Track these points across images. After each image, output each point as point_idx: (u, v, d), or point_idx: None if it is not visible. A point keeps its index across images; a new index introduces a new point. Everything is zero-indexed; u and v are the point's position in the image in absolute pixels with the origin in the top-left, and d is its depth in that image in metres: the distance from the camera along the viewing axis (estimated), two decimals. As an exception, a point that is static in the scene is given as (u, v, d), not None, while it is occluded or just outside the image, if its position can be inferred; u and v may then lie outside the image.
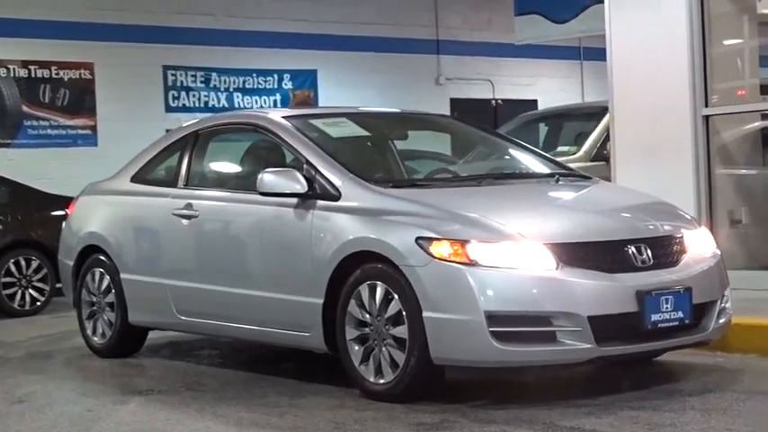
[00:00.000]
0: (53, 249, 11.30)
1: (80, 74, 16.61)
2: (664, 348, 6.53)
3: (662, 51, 9.63)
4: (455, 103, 20.87)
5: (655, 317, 6.14)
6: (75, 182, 15.16)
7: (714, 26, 9.63)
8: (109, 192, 8.83)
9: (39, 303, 12.56)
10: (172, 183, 8.17)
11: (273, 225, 7.12)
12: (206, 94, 17.88)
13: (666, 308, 6.19)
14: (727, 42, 9.93)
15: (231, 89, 18.14)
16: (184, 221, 7.77)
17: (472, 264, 5.99)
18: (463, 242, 6.06)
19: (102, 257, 8.57)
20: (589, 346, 5.96)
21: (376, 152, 8.04)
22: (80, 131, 16.65)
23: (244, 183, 7.79)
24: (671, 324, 6.22)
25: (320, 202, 6.80)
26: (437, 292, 6.04)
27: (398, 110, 9.02)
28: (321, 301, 6.66)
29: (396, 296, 6.24)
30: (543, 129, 15.25)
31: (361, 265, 6.47)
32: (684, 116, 9.62)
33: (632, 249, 6.27)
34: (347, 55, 19.39)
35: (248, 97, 18.31)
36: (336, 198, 6.74)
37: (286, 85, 18.77)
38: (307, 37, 18.74)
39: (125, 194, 8.59)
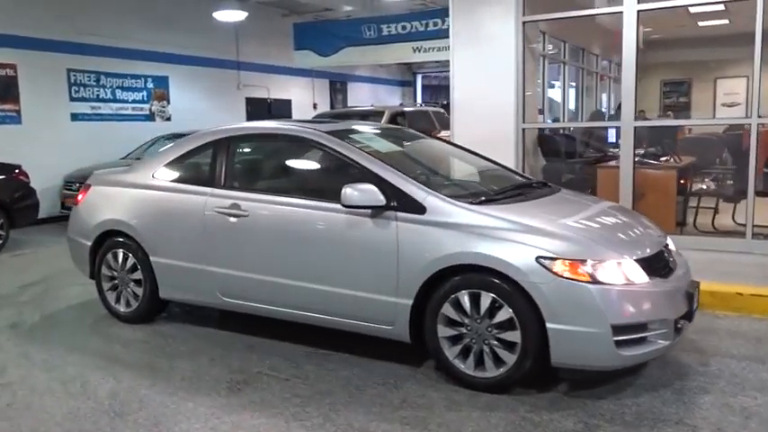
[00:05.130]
0: (4, 204, 9.13)
1: (6, 72, 11.68)
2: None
3: (495, 90, 7.64)
4: (248, 100, 17.47)
5: (693, 310, 4.00)
6: (8, 151, 10.87)
7: (526, 71, 7.62)
8: (130, 185, 5.31)
9: (-2, 243, 9.23)
10: (208, 182, 4.86)
11: (346, 231, 4.21)
12: (97, 89, 13.31)
13: (694, 304, 4.04)
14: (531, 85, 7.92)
15: (114, 87, 13.65)
16: (232, 219, 4.57)
17: (593, 281, 3.50)
18: (581, 261, 3.56)
19: (124, 240, 5.15)
20: (669, 342, 3.73)
21: (417, 166, 5.05)
22: (8, 113, 11.78)
23: (295, 188, 4.69)
24: (693, 313, 4.11)
25: (403, 214, 3.95)
26: (561, 307, 3.61)
27: (378, 126, 5.87)
28: (411, 302, 3.95)
29: (505, 305, 3.61)
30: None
31: (457, 273, 3.77)
32: (511, 127, 7.54)
33: (665, 253, 4.02)
34: (186, 68, 15.36)
35: (126, 93, 13.91)
36: (422, 211, 3.92)
37: (149, 85, 14.44)
38: (162, 54, 14.62)
39: (150, 188, 5.16)
